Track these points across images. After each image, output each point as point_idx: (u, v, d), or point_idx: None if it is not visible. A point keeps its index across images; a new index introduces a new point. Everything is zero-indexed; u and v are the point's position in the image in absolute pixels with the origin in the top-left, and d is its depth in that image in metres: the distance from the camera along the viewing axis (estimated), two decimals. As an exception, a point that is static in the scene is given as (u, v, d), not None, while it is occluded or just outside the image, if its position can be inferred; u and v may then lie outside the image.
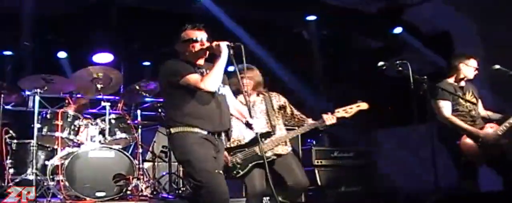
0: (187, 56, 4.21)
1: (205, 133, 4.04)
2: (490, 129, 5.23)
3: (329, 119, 5.13)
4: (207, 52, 4.19)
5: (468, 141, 5.20)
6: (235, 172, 5.01)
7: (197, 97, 4.05)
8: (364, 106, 5.24)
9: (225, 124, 4.17)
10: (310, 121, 5.27)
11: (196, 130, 4.01)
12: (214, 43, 4.09)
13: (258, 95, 5.26)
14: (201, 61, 4.24)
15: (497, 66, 5.38)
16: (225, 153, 4.67)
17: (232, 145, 5.03)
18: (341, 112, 5.18)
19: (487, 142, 5.17)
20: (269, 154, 5.01)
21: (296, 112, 5.33)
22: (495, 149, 5.21)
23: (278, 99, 5.34)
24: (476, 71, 5.44)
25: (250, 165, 4.99)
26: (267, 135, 5.05)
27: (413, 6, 8.53)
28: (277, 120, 5.22)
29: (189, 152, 3.94)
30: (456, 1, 8.36)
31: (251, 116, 4.27)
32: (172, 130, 4.05)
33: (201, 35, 4.18)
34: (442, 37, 9.01)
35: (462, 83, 5.48)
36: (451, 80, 5.49)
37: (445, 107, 5.30)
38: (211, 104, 4.09)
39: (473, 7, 8.33)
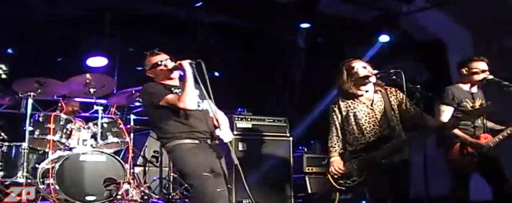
0: (160, 79, 4.51)
1: (197, 142, 4.32)
2: (483, 140, 5.22)
3: None
4: (175, 72, 4.47)
5: (457, 149, 5.21)
6: (351, 179, 4.81)
7: (180, 113, 4.32)
8: None
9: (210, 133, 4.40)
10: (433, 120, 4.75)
11: (187, 141, 4.31)
12: (177, 63, 4.37)
13: (376, 92, 4.88)
14: (175, 82, 4.52)
15: (490, 76, 5.34)
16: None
17: (351, 149, 4.85)
18: None
19: (478, 152, 5.17)
20: (385, 160, 4.67)
21: (418, 109, 4.70)
22: (486, 159, 5.21)
23: (396, 95, 4.86)
24: (485, 73, 5.32)
25: (366, 172, 4.73)
26: (386, 139, 4.73)
27: (408, 14, 8.55)
28: (396, 119, 4.80)
29: (182, 162, 4.30)
30: (450, 10, 8.39)
31: (219, 128, 4.31)
32: (167, 145, 4.36)
33: (161, 58, 4.50)
34: (435, 45, 9.04)
35: (474, 90, 5.41)
36: (462, 85, 5.42)
37: (446, 112, 5.24)
38: (194, 117, 4.35)
39: (467, 16, 8.36)
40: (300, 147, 7.81)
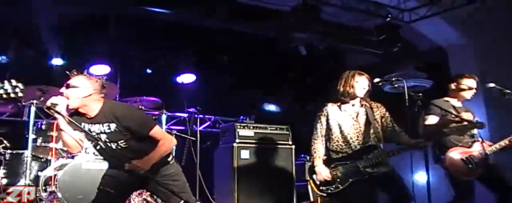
0: None
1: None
2: (480, 148, 5.23)
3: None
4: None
5: (453, 156, 5.21)
6: (334, 186, 4.89)
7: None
8: None
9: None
10: (407, 138, 4.90)
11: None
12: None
13: (361, 106, 5.06)
14: (90, 113, 4.08)
15: (492, 84, 5.35)
16: None
17: (336, 156, 4.96)
18: None
19: (473, 161, 5.18)
20: (369, 170, 4.84)
21: (396, 126, 5.02)
22: (482, 168, 5.21)
23: (380, 110, 5.07)
24: (473, 91, 5.39)
25: (350, 180, 4.84)
26: (369, 149, 4.91)
27: (410, 22, 8.57)
28: (379, 132, 4.99)
29: None
30: (451, 18, 8.40)
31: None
32: None
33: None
34: (437, 53, 9.05)
35: (458, 104, 5.45)
36: (446, 99, 5.46)
37: (429, 120, 5.25)
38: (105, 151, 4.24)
39: (468, 25, 8.38)
40: (302, 155, 7.80)
